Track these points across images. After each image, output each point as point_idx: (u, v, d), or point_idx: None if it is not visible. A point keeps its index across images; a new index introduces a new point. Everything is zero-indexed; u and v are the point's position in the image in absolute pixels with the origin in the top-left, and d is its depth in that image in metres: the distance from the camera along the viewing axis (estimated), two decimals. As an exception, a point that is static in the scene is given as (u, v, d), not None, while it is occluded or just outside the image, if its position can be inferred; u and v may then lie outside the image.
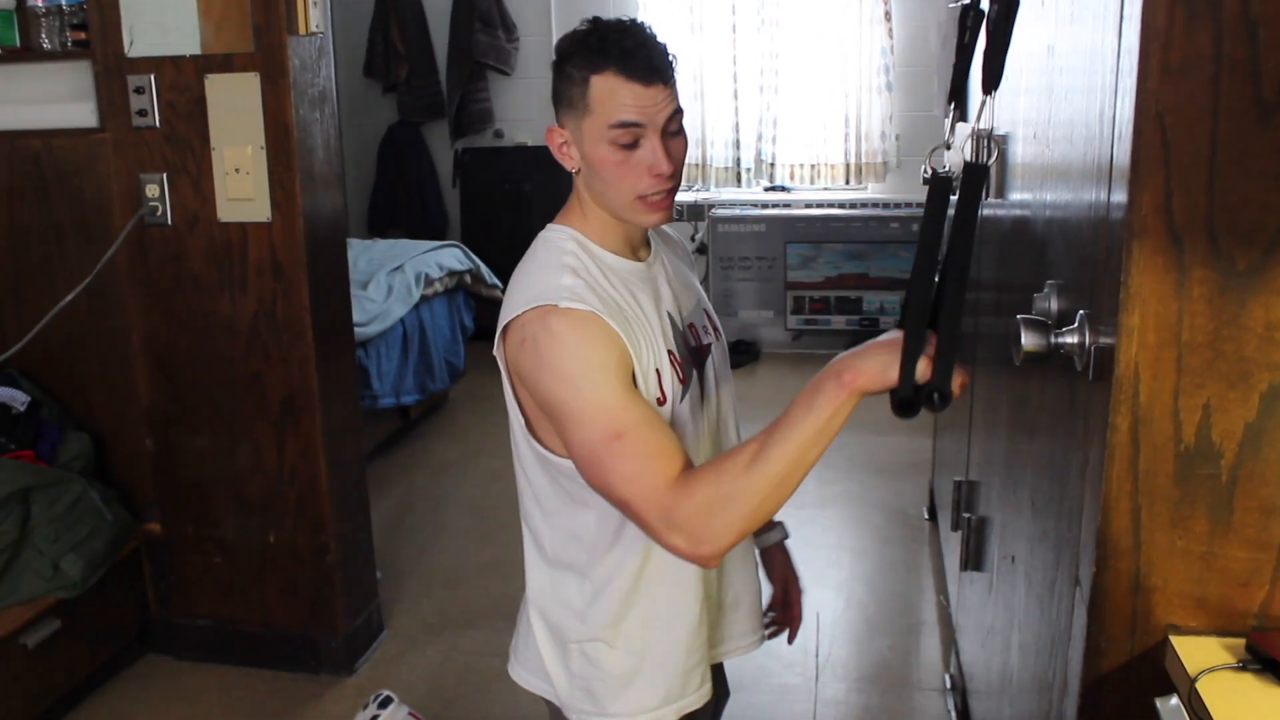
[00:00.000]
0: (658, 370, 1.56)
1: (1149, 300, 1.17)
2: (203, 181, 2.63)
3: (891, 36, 6.03)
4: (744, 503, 1.37)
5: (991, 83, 1.37)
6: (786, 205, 6.19)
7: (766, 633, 1.86)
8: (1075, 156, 1.43)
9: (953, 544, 2.93)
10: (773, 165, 6.34)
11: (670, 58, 1.52)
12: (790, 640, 1.93)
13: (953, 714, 2.68)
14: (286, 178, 2.57)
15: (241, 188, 2.58)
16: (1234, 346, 1.17)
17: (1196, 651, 1.24)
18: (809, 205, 6.19)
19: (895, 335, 1.33)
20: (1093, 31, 1.35)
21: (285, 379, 2.71)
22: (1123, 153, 1.17)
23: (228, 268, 2.67)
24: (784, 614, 1.94)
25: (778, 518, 1.85)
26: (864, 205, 6.13)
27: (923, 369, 1.29)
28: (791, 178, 6.35)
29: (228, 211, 2.63)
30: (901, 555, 3.69)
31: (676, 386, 1.59)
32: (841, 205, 6.14)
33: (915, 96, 6.07)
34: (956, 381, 1.31)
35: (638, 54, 1.49)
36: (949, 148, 1.37)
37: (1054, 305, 1.50)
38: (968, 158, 1.33)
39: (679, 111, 1.54)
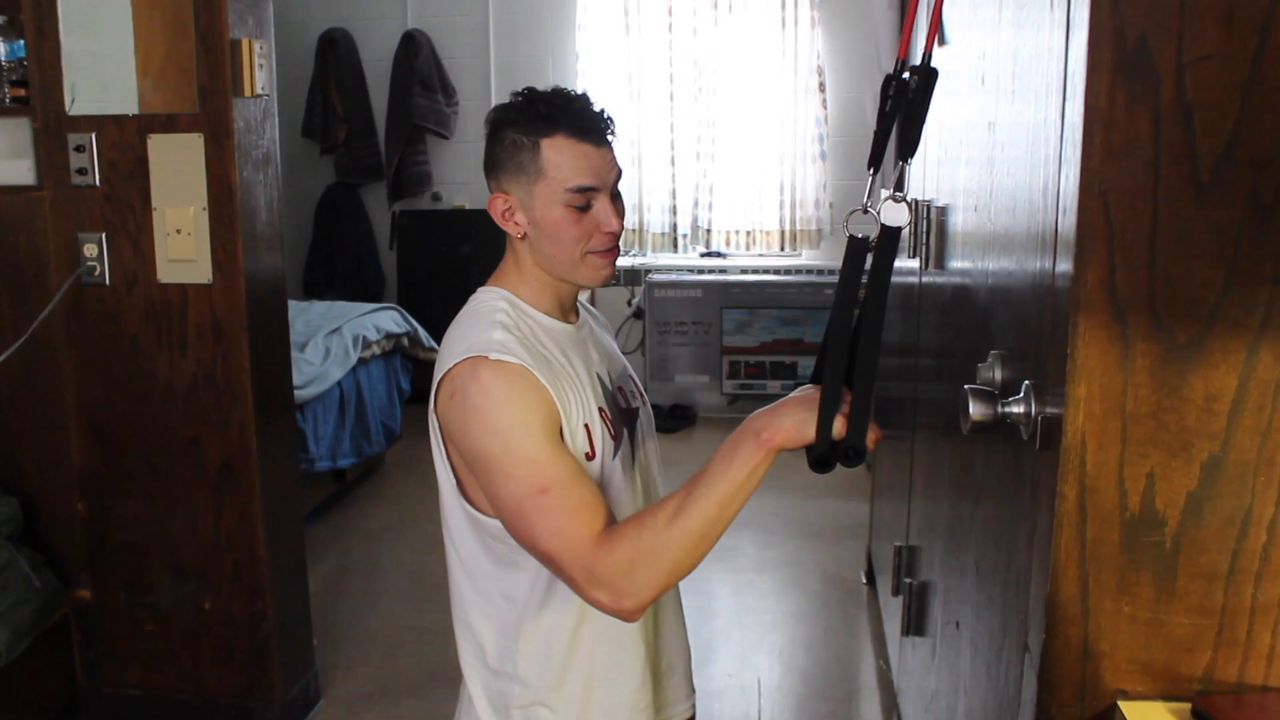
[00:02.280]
0: (586, 425, 1.57)
1: (1095, 372, 1.20)
2: (142, 241, 2.60)
3: (825, 107, 6.17)
4: (665, 558, 1.40)
5: (906, 151, 1.41)
6: (722, 271, 6.26)
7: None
8: (1019, 228, 1.48)
9: (893, 609, 2.95)
10: (709, 231, 6.41)
11: (611, 120, 1.59)
12: None
13: (895, 780, 2.69)
14: (229, 239, 2.55)
15: (183, 249, 2.56)
16: (1176, 417, 1.21)
17: (1145, 717, 1.26)
18: (744, 271, 6.27)
19: (810, 391, 1.38)
20: (1035, 109, 1.40)
21: (223, 442, 2.67)
22: (1067, 226, 1.21)
23: (167, 329, 2.63)
24: None
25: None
26: (799, 271, 6.23)
27: (838, 426, 1.33)
28: (727, 244, 6.43)
29: (168, 272, 2.60)
30: (840, 620, 3.70)
31: (608, 443, 1.61)
32: (776, 271, 6.24)
33: (848, 165, 6.21)
34: (871, 438, 1.35)
35: (585, 116, 1.55)
36: (865, 211, 1.42)
37: (998, 374, 1.53)
38: (884, 221, 1.38)
39: (621, 172, 1.61)
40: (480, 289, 1.67)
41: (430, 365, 5.36)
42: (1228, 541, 1.24)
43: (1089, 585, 1.26)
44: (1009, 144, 1.60)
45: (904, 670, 2.66)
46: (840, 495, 4.96)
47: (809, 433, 1.34)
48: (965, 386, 1.41)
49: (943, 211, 2.20)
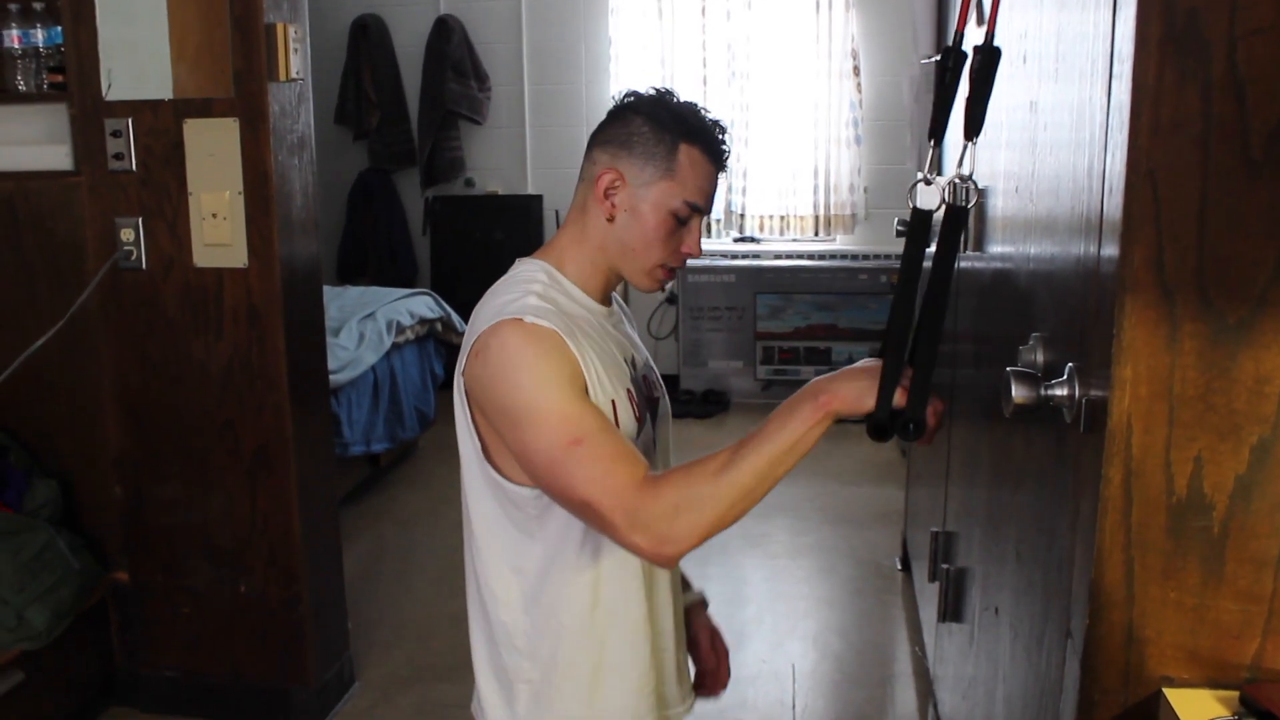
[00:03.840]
0: (613, 402, 1.56)
1: (1141, 354, 1.18)
2: (179, 226, 2.62)
3: (860, 90, 6.12)
4: (710, 507, 1.40)
5: (973, 129, 1.39)
6: (756, 256, 6.23)
7: (695, 695, 1.83)
8: (1062, 210, 1.45)
9: (929, 595, 2.93)
10: (742, 216, 6.38)
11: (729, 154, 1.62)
12: (716, 694, 1.89)
13: (931, 766, 2.67)
14: (264, 224, 2.56)
15: (218, 233, 2.56)
16: (1225, 399, 1.18)
17: (1190, 704, 1.24)
18: (778, 256, 6.23)
19: (873, 363, 1.38)
20: (1079, 88, 1.38)
21: (259, 426, 2.68)
22: (1114, 207, 1.19)
23: (203, 313, 2.65)
24: (713, 673, 1.90)
25: (696, 585, 1.86)
26: (833, 256, 6.18)
27: (898, 397, 1.33)
28: (761, 229, 6.40)
29: (204, 257, 2.61)
30: (875, 606, 3.69)
31: (632, 424, 1.60)
32: (810, 256, 6.20)
33: (883, 150, 6.15)
34: (931, 411, 1.35)
35: (720, 141, 1.58)
36: (928, 183, 1.39)
37: (1040, 357, 1.51)
38: (947, 199, 1.36)
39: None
40: (520, 260, 1.67)
41: (463, 351, 5.24)
42: (1278, 527, 1.21)
43: (1134, 570, 1.24)
44: (1052, 125, 1.57)
45: (940, 657, 2.64)
46: (875, 482, 4.94)
47: (869, 402, 1.35)
48: (1008, 369, 1.39)
49: (982, 194, 2.17)
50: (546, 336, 1.51)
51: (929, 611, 2.96)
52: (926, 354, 1.35)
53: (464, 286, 6.05)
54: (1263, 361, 1.17)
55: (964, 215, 1.38)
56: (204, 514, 2.78)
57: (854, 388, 1.36)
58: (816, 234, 6.33)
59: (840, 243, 6.33)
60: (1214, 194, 1.14)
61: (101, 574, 2.86)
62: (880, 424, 1.34)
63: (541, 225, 6.30)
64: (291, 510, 2.72)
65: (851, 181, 6.22)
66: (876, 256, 6.07)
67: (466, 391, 1.58)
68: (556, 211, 6.27)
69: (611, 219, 1.58)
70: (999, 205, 1.98)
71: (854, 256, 6.14)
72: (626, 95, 1.63)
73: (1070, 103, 1.43)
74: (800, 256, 6.20)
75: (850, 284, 6.03)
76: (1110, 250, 1.20)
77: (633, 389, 1.64)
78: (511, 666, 1.65)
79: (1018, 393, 1.36)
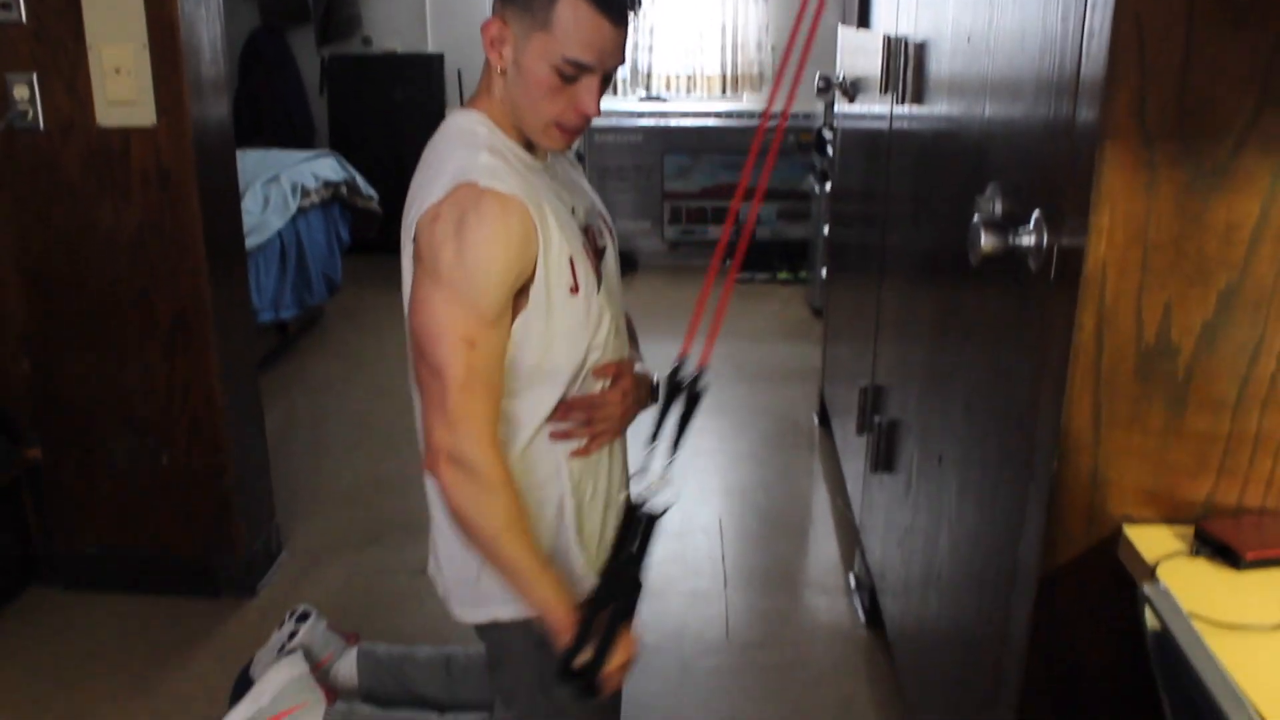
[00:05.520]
0: (571, 259, 1.55)
1: (1119, 200, 1.18)
2: (78, 83, 2.45)
3: (768, -56, 6.00)
4: (480, 512, 1.52)
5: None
6: (663, 115, 6.15)
7: None
8: (1027, 61, 1.44)
9: (854, 448, 2.99)
10: (649, 75, 6.27)
11: (639, 2, 1.52)
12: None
13: (860, 612, 2.77)
14: (173, 79, 2.41)
15: (123, 90, 2.41)
16: (1196, 246, 1.20)
17: (1149, 541, 1.29)
18: (685, 115, 6.16)
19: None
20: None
21: (175, 294, 2.58)
22: (1096, 52, 1.18)
23: (108, 177, 2.50)
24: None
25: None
26: (740, 115, 6.13)
27: (580, 660, 1.55)
28: (668, 87, 6.31)
29: (108, 116, 2.45)
30: (794, 461, 3.76)
31: (591, 279, 1.60)
32: (718, 115, 6.13)
33: (791, 6, 6.06)
34: (609, 678, 1.57)
35: None
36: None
37: (998, 207, 1.51)
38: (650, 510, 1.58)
39: (624, 60, 1.55)
40: (455, 112, 1.63)
41: (368, 214, 5.17)
42: (1238, 370, 1.25)
43: (1101, 415, 1.27)
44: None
45: (869, 506, 2.72)
46: (787, 340, 5.01)
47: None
48: (976, 217, 1.39)
49: (921, 49, 2.15)
50: (512, 211, 1.47)
51: (853, 464, 3.02)
52: (613, 630, 1.56)
53: (364, 148, 5.88)
54: (1234, 207, 1.19)
55: (655, 522, 1.59)
56: (120, 386, 2.68)
57: (565, 643, 1.56)
58: (724, 93, 6.26)
59: (747, 101, 6.28)
60: (1198, 40, 1.13)
61: (13, 452, 2.76)
62: (561, 674, 1.57)
63: (443, 85, 6.11)
64: (213, 378, 2.64)
65: (759, 39, 6.14)
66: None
67: (418, 251, 1.53)
68: (459, 71, 6.07)
69: (503, 72, 1.53)
70: (945, 59, 1.96)
71: (761, 115, 6.08)
72: None
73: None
74: (707, 115, 6.13)
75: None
76: (1090, 98, 1.20)
77: (585, 242, 1.62)
78: None
79: (987, 242, 1.37)
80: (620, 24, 1.48)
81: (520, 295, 1.53)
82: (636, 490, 1.59)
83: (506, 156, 1.54)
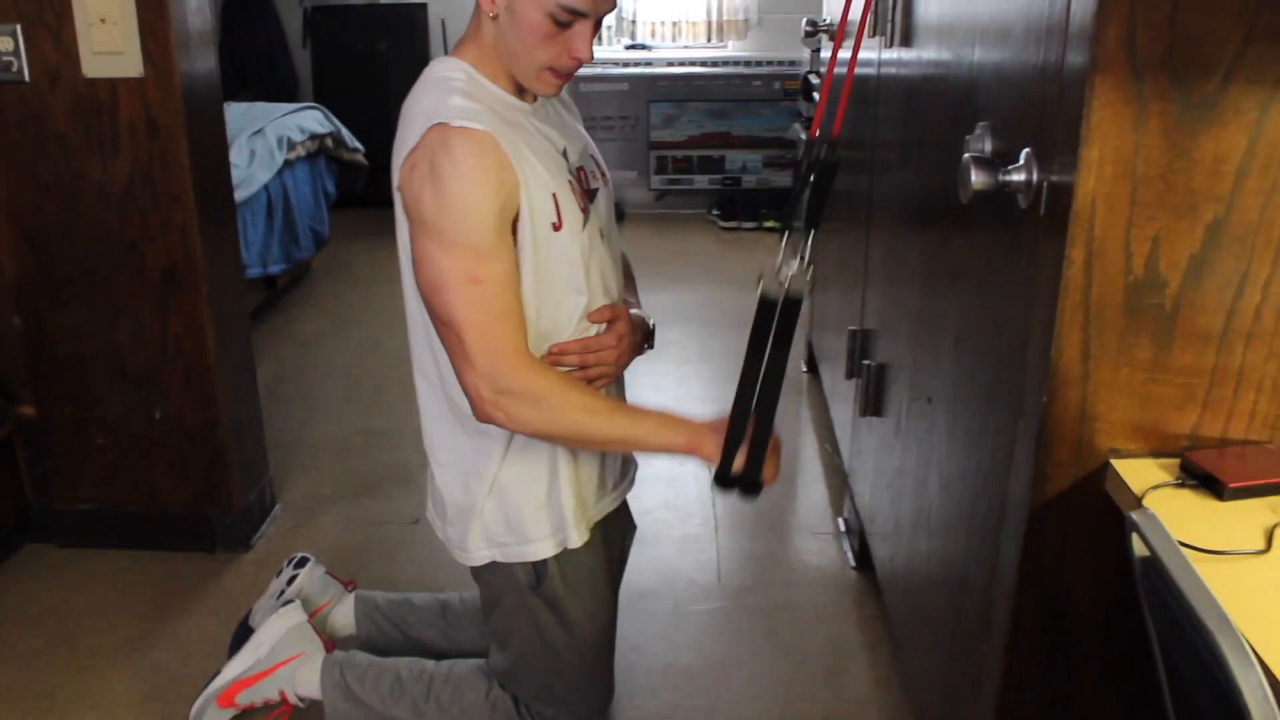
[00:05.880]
0: (554, 195, 1.57)
1: (1108, 134, 1.20)
2: (64, 33, 2.42)
3: (752, -111, 5.94)
4: (557, 425, 1.55)
5: (814, 223, 1.56)
6: (648, 64, 6.10)
7: None
8: (1016, -3, 1.44)
9: (842, 393, 3.02)
10: (634, 23, 6.23)
11: None
12: None
13: (849, 555, 2.80)
14: (160, 28, 2.38)
15: (109, 40, 2.39)
16: (1184, 179, 1.22)
17: (1136, 473, 1.31)
18: (670, 64, 6.11)
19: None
20: None
21: (166, 247, 2.57)
22: (1086, -14, 1.18)
23: (97, 128, 2.48)
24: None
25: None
26: (725, 63, 6.08)
27: (739, 462, 1.57)
28: (653, 35, 6.26)
29: (94, 66, 2.43)
30: (782, 407, 3.76)
31: (577, 214, 1.61)
32: (703, 63, 6.09)
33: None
34: (767, 472, 1.60)
35: None
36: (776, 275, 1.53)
37: (988, 145, 1.52)
38: (785, 285, 1.52)
39: (615, 6, 1.58)
40: (435, 61, 1.64)
41: (354, 167, 5.14)
42: (1224, 302, 1.27)
43: (1090, 349, 1.29)
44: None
45: (858, 451, 2.74)
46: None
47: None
48: (966, 156, 1.40)
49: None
50: (485, 146, 1.49)
51: (842, 409, 3.05)
52: (764, 425, 1.58)
53: (348, 100, 5.83)
54: (1222, 140, 1.20)
55: (798, 304, 1.53)
56: (112, 340, 2.68)
57: (717, 448, 1.59)
58: (709, 40, 6.22)
59: (732, 49, 6.24)
60: (1188, -29, 1.14)
61: (5, 408, 2.76)
62: (723, 483, 1.60)
63: (428, 35, 6.06)
64: (205, 331, 2.64)
65: (744, -15, 6.10)
66: (769, 63, 5.99)
67: (404, 204, 1.55)
68: (443, 20, 6.02)
69: (495, 17, 1.54)
70: (932, 3, 1.95)
71: (747, 63, 6.05)
72: None
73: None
74: (693, 64, 6.09)
75: (744, 91, 5.97)
76: (1080, 31, 1.20)
77: (573, 180, 1.63)
78: (485, 466, 1.70)
79: (976, 179, 1.38)
80: None
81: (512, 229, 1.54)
82: (772, 276, 1.53)
83: (482, 98, 1.55)
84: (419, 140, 1.51)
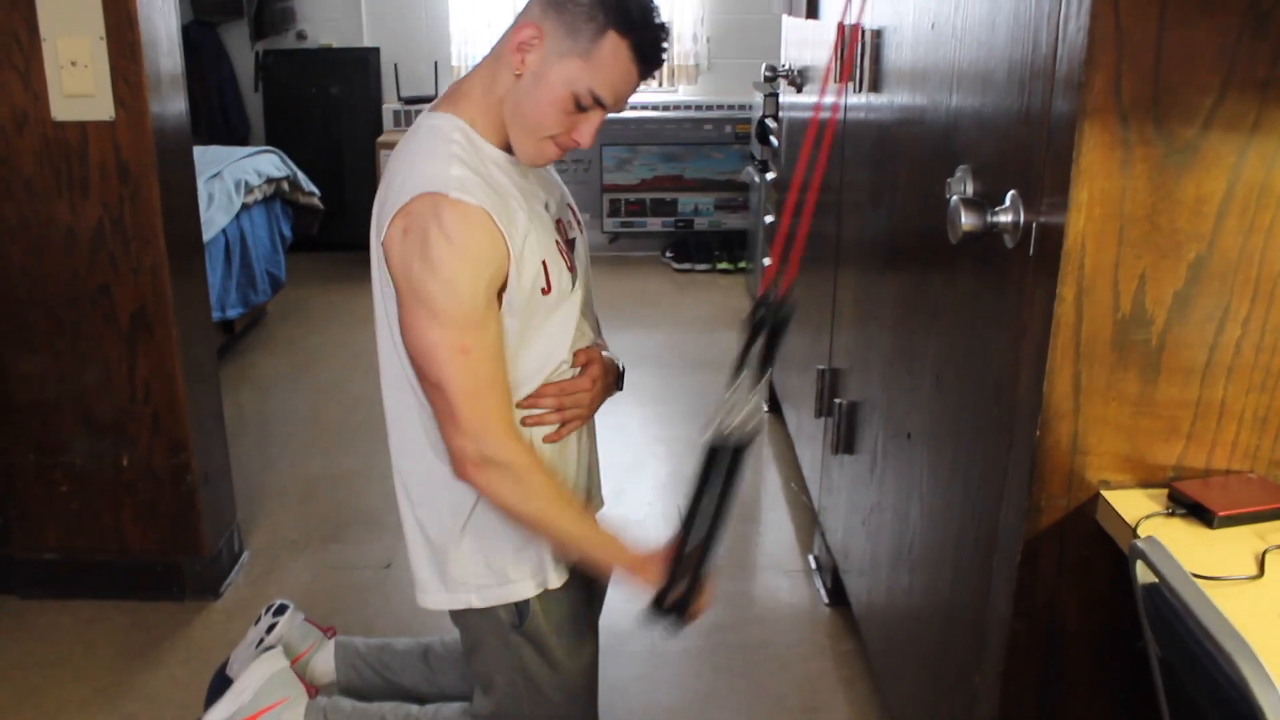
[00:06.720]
0: (544, 262, 1.58)
1: (1097, 176, 1.25)
2: (32, 76, 2.41)
3: (703, -63, 6.04)
4: (526, 500, 1.59)
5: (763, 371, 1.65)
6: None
7: None
8: (999, 45, 1.49)
9: (809, 431, 3.05)
10: (587, 67, 6.28)
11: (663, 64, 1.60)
12: None
13: (822, 591, 2.82)
14: (132, 72, 2.38)
15: (80, 83, 2.38)
16: (1168, 219, 1.27)
17: (1126, 504, 1.36)
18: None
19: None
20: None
21: (136, 290, 2.55)
22: (1076, 35, 1.23)
23: (65, 171, 2.47)
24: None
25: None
26: (677, 107, 6.16)
27: (673, 596, 1.62)
28: (605, 80, 6.31)
29: (64, 110, 2.42)
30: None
31: (566, 276, 1.63)
32: (655, 107, 6.16)
33: (727, -1, 6.14)
34: (700, 603, 1.64)
35: (658, 46, 1.54)
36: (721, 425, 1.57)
37: (970, 188, 1.56)
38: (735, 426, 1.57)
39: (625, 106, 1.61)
40: (431, 113, 1.64)
41: (310, 211, 5.12)
42: (1206, 337, 1.32)
43: (1081, 383, 1.33)
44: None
45: (828, 489, 2.77)
46: (730, 328, 5.05)
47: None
48: (955, 197, 1.45)
49: (878, 35, 2.20)
50: (477, 220, 1.49)
51: (809, 448, 3.08)
52: (705, 563, 1.61)
53: (301, 144, 5.81)
54: (1203, 182, 1.25)
55: (743, 453, 1.57)
56: (78, 386, 2.64)
57: (659, 578, 1.63)
58: (660, 84, 6.29)
59: (684, 93, 6.32)
60: (1171, 22, 1.19)
61: (-35, 454, 2.71)
62: (657, 608, 1.65)
63: (380, 79, 6.07)
64: (175, 375, 2.62)
65: (695, 31, 6.19)
66: (721, 106, 6.08)
67: (389, 265, 1.55)
68: (395, 65, 6.04)
69: (519, 75, 1.55)
70: (906, 47, 2.01)
71: (698, 107, 6.14)
72: None
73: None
74: (645, 108, 6.15)
75: (695, 134, 6.05)
76: (1068, 78, 1.25)
77: (560, 239, 1.65)
78: (460, 504, 1.69)
79: (967, 220, 1.42)
80: (646, 77, 1.55)
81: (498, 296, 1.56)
82: (720, 422, 1.57)
83: (479, 167, 1.55)
84: (411, 203, 1.50)
